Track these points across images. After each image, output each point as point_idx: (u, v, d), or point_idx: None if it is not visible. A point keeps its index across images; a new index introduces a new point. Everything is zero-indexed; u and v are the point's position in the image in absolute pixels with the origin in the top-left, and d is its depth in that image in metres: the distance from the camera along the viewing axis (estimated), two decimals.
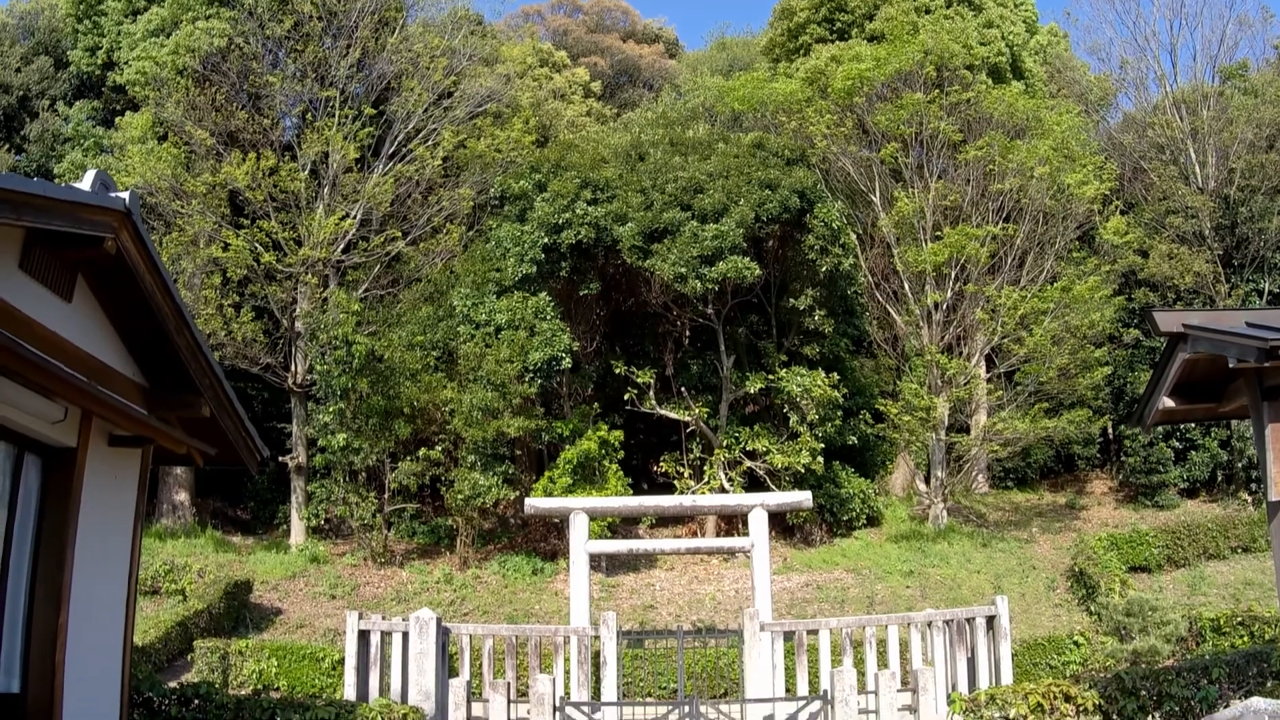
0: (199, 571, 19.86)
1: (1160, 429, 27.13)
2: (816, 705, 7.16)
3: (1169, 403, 5.97)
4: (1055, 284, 24.02)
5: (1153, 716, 8.53)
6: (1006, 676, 13.13)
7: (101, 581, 7.51)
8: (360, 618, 13.92)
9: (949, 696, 10.18)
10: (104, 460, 7.57)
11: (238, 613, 18.91)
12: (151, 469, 8.59)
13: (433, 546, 23.26)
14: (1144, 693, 8.47)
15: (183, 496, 24.71)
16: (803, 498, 16.48)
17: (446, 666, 13.88)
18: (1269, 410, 5.41)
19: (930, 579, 21.33)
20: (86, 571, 7.17)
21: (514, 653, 13.14)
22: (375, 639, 13.75)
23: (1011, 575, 21.93)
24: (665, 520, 24.41)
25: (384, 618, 14.69)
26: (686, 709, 7.31)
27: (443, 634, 13.40)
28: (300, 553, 22.31)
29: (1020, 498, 28.51)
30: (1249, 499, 26.05)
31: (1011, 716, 8.19)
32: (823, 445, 22.21)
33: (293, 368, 24.18)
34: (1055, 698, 8.32)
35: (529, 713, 7.52)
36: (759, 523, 15.71)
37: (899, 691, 11.73)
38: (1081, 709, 8.26)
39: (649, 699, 16.56)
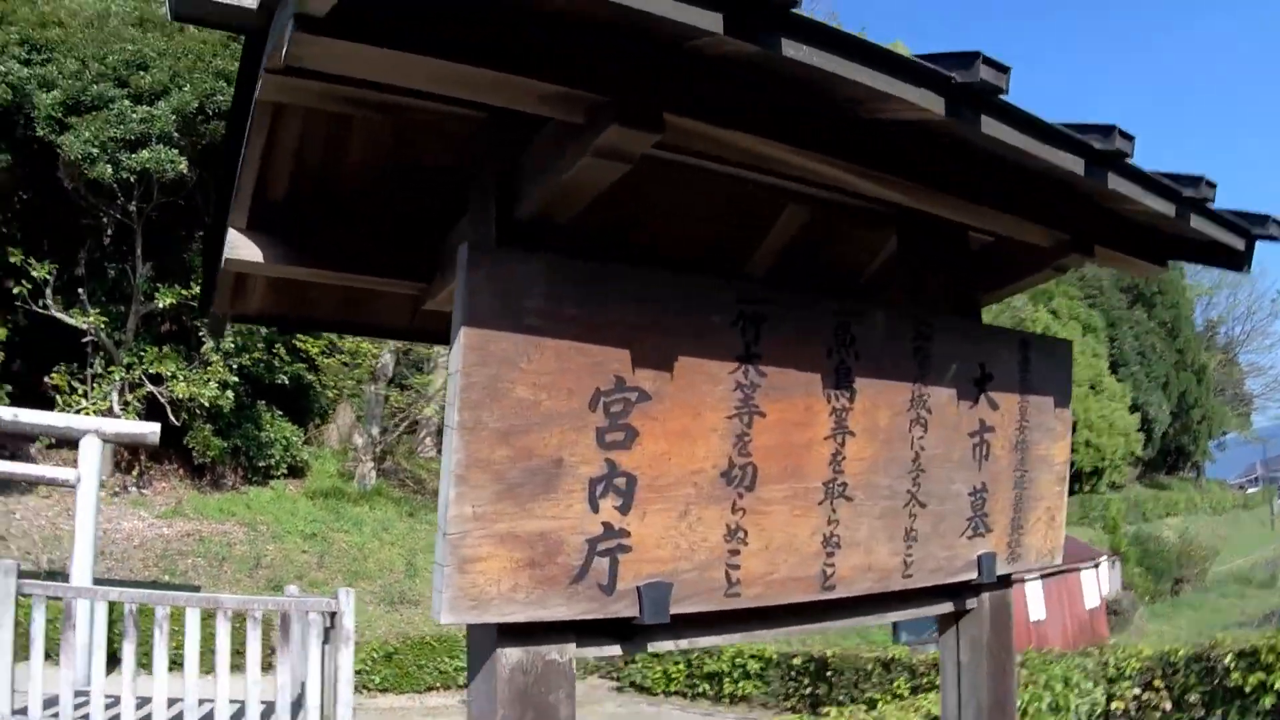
0: None
1: None
2: None
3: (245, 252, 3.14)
4: None
5: None
6: (345, 699, 11.18)
7: None
8: None
9: None
10: None
11: None
12: None
13: None
14: None
15: None
16: (147, 430, 13.90)
17: None
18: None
19: (335, 545, 19.90)
20: None
21: None
22: None
23: (429, 552, 21.20)
24: (68, 443, 20.71)
25: None
26: None
27: None
28: None
29: None
30: None
31: None
32: (238, 380, 20.02)
33: None
34: None
35: None
36: (90, 452, 12.92)
37: None
38: None
39: None
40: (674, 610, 2.71)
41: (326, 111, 3.03)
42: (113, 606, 11.80)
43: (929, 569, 3.48)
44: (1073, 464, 35.76)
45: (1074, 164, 2.75)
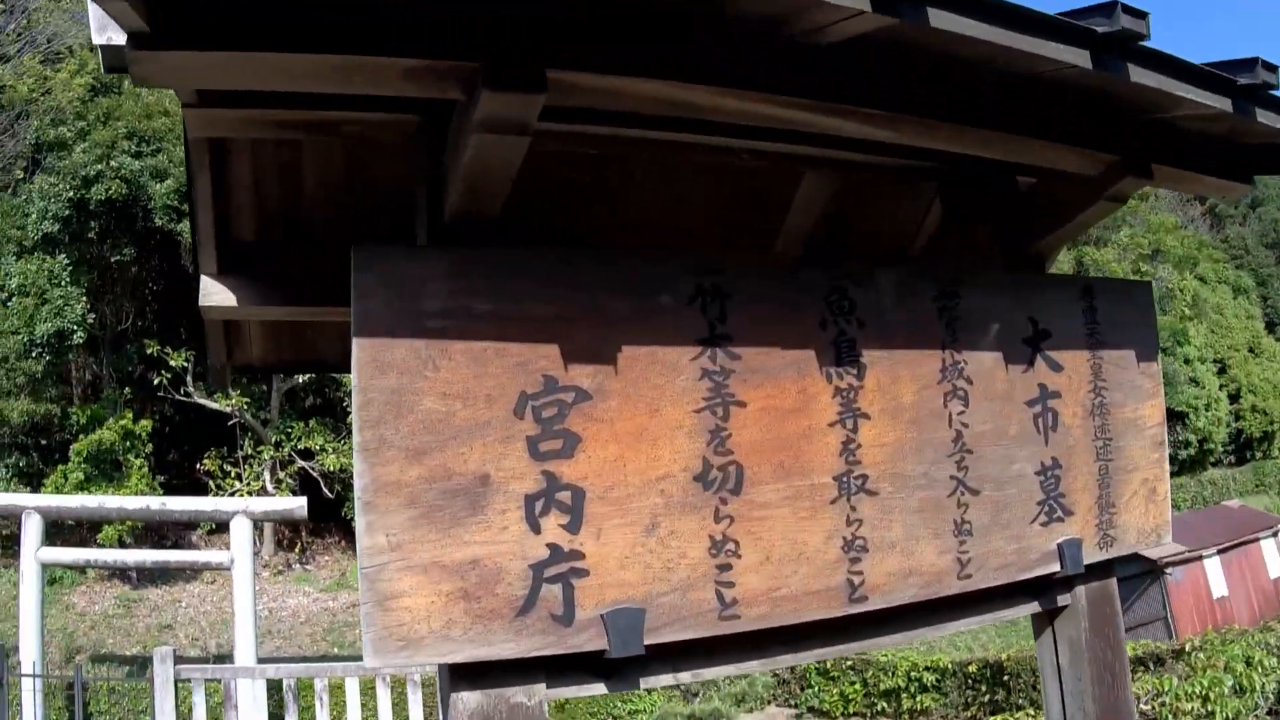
0: None
1: None
2: None
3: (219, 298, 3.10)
4: None
5: None
6: None
7: None
8: None
9: None
10: None
11: None
12: None
13: None
14: None
15: None
16: (295, 505, 14.42)
17: None
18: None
19: None
20: None
21: None
22: None
23: None
24: (223, 526, 21.94)
25: None
26: None
27: None
28: None
29: None
30: None
31: None
32: None
33: None
34: None
35: None
36: (241, 533, 13.52)
37: None
38: None
39: None
40: (653, 639, 2.34)
41: (271, 142, 2.91)
42: (273, 683, 12.19)
43: (994, 566, 2.96)
44: (1241, 431, 32.99)
45: (1076, 56, 2.26)
